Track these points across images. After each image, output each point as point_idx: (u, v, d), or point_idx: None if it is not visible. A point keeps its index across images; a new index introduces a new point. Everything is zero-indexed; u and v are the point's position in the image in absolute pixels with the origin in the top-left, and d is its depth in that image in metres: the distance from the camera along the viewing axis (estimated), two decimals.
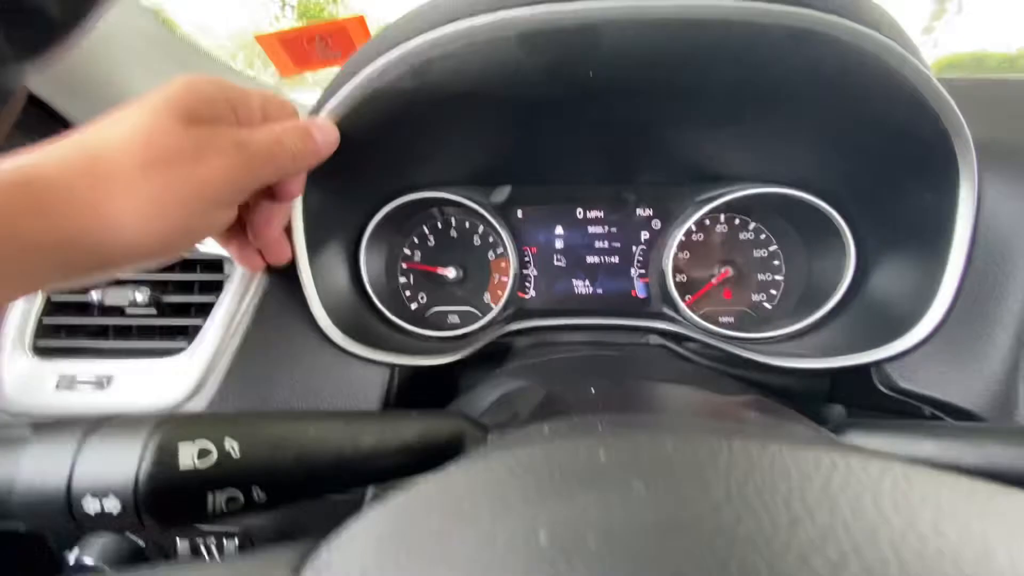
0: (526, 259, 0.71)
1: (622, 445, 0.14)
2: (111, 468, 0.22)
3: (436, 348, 0.61)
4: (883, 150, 0.47)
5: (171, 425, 0.24)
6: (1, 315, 0.52)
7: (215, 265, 0.53)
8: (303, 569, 0.14)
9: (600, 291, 0.71)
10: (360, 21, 0.77)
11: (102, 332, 0.53)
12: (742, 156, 0.58)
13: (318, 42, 0.80)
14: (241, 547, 0.48)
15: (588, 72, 0.42)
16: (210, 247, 0.52)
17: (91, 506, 0.22)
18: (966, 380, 0.42)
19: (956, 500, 0.12)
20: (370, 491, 0.37)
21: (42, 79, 0.53)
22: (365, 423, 0.28)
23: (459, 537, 0.12)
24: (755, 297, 0.68)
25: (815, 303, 0.59)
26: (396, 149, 0.54)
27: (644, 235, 0.70)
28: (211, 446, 0.24)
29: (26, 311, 0.51)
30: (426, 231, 0.71)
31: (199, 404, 0.46)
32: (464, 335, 0.66)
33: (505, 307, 0.67)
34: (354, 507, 0.37)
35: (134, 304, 0.50)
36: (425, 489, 0.14)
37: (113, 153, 0.30)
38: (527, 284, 0.71)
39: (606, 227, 0.70)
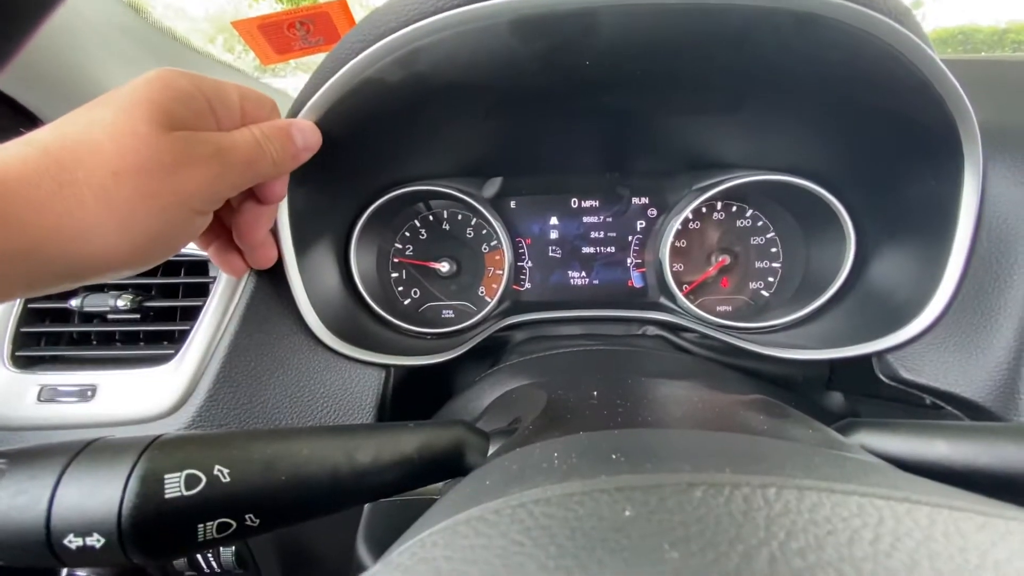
0: (520, 251, 0.70)
1: (648, 499, 0.12)
2: (92, 502, 0.21)
3: (431, 345, 0.59)
4: (886, 136, 0.46)
5: (156, 452, 0.23)
6: None
7: (200, 267, 0.51)
8: None
9: (596, 282, 0.70)
10: (342, 5, 0.74)
11: (84, 340, 0.51)
12: (741, 143, 0.57)
13: (299, 28, 0.76)
14: (239, 557, 0.47)
15: (584, 60, 0.40)
16: (194, 249, 0.50)
17: (73, 542, 0.21)
18: (969, 370, 0.42)
19: (1012, 546, 0.11)
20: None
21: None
22: (361, 438, 0.27)
23: None
24: (753, 285, 0.67)
25: (814, 292, 0.58)
26: (384, 142, 0.52)
27: (640, 224, 0.69)
28: (199, 473, 0.22)
29: (3, 319, 0.49)
30: (417, 225, 0.69)
31: (188, 414, 0.45)
32: (459, 330, 0.64)
33: (500, 301, 0.66)
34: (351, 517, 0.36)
35: (116, 311, 0.48)
36: (428, 553, 0.13)
37: (83, 158, 0.28)
38: (522, 276, 0.70)
39: (601, 217, 0.69)
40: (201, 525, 0.22)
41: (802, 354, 0.51)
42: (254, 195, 0.39)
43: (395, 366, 0.50)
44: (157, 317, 0.51)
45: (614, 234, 0.69)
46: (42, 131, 0.28)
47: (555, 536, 0.12)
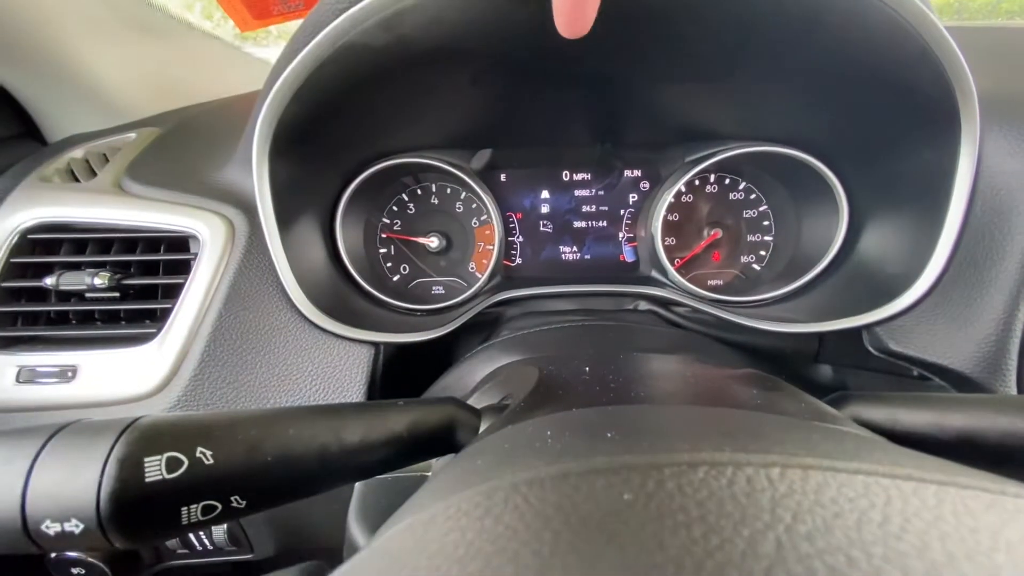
0: (511, 225, 0.68)
1: (647, 481, 0.12)
2: (68, 487, 0.20)
3: (421, 322, 0.59)
4: (882, 105, 0.45)
5: (135, 435, 0.22)
6: None
7: (180, 244, 0.49)
8: None
9: (588, 256, 0.70)
10: None
11: (63, 319, 0.50)
12: (734, 113, 0.56)
13: None
14: (231, 535, 0.47)
15: None
16: (176, 224, 0.48)
17: (50, 528, 0.20)
18: (957, 342, 0.42)
19: (1022, 526, 0.10)
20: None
21: None
22: (349, 416, 0.27)
23: None
24: (744, 259, 0.67)
25: (806, 265, 0.58)
26: (368, 111, 0.50)
27: (632, 198, 0.67)
28: (181, 456, 0.22)
29: None
30: (405, 199, 0.67)
31: (173, 393, 0.44)
32: (450, 307, 0.64)
33: (491, 276, 0.65)
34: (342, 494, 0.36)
35: (93, 289, 0.46)
36: (416, 535, 0.12)
37: None
38: (513, 251, 0.69)
39: (593, 190, 0.68)
40: (185, 508, 0.22)
41: (793, 327, 0.51)
42: None
43: (385, 343, 0.49)
44: (137, 295, 0.49)
45: (606, 208, 0.68)
46: None
47: (550, 521, 0.11)
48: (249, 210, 0.48)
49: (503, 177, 0.67)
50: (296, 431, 0.25)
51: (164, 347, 0.45)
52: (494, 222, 0.64)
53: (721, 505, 0.11)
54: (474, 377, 0.46)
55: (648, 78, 0.49)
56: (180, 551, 0.51)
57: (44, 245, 0.50)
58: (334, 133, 0.50)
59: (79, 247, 0.50)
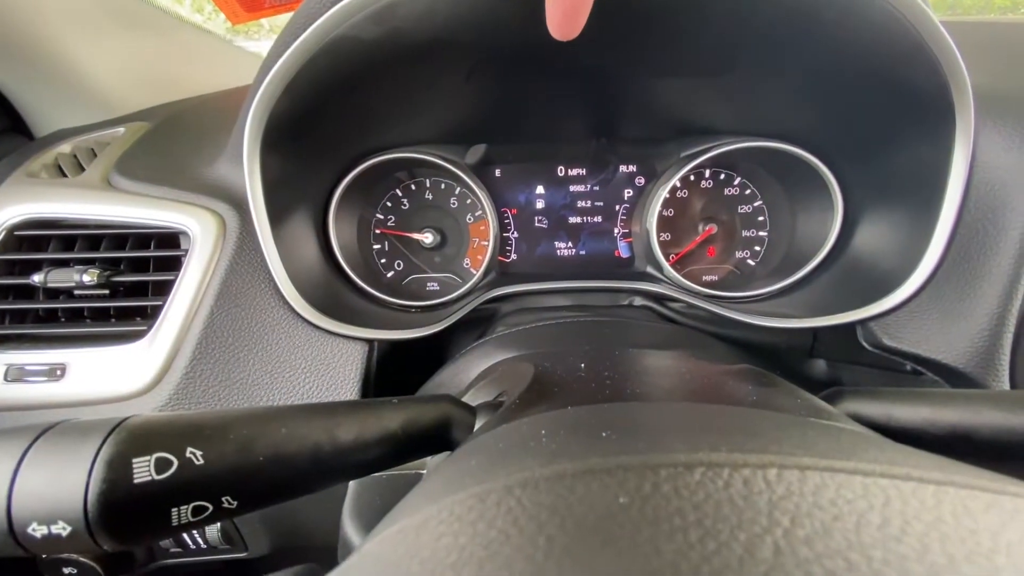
0: (506, 221, 0.68)
1: (643, 484, 0.12)
2: (55, 489, 0.20)
3: (415, 318, 0.58)
4: (877, 100, 0.45)
5: (123, 435, 0.21)
6: None
7: (171, 240, 0.49)
8: None
9: (583, 252, 0.69)
10: None
11: (51, 317, 0.49)
12: (730, 109, 0.55)
13: None
14: (225, 534, 0.47)
15: None
16: (166, 220, 0.47)
17: (37, 530, 0.20)
18: (951, 337, 0.42)
19: (1022, 527, 0.10)
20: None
21: None
22: (343, 415, 0.26)
23: None
24: (739, 255, 0.67)
25: (800, 260, 0.58)
26: (361, 106, 0.49)
27: (627, 193, 0.67)
28: (170, 456, 0.21)
29: None
30: (399, 194, 0.66)
31: (164, 392, 0.43)
32: (444, 303, 0.63)
33: (486, 272, 0.65)
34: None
35: (82, 286, 0.46)
36: (408, 540, 0.12)
37: None
38: (507, 247, 0.69)
39: (588, 185, 0.68)
40: (175, 509, 0.21)
41: (787, 323, 0.51)
42: None
43: (379, 340, 0.49)
44: (127, 292, 0.49)
45: (601, 203, 0.68)
46: None
47: (544, 525, 0.11)
48: (240, 206, 0.48)
49: (498, 172, 0.67)
50: (289, 430, 0.24)
51: (154, 345, 0.44)
52: (489, 218, 0.64)
53: (718, 508, 0.11)
54: (469, 374, 0.45)
55: (644, 73, 0.48)
56: (173, 550, 0.50)
57: (31, 242, 0.49)
58: (326, 127, 0.49)
59: (67, 244, 0.49)
